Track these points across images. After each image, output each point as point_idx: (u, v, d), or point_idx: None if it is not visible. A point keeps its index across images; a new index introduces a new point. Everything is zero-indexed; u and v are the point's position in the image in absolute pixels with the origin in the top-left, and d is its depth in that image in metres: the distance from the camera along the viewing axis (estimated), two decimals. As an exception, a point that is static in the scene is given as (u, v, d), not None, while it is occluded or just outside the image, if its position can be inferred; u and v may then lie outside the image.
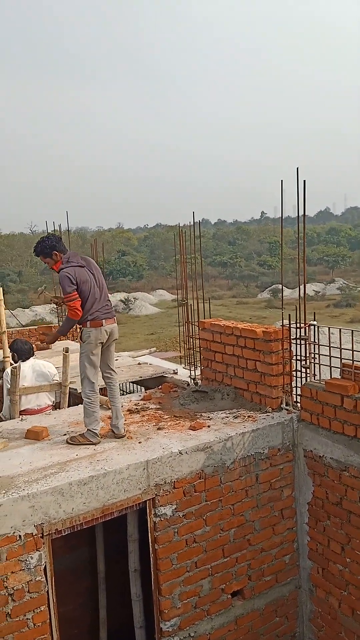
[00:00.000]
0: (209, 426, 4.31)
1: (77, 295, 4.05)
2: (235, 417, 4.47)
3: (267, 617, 4.38)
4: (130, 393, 7.08)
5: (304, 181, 4.28)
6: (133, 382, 6.77)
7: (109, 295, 4.36)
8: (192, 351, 5.79)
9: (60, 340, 9.20)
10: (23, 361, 5.72)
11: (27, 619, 3.35)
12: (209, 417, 4.56)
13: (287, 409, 4.48)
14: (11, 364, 5.98)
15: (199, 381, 5.50)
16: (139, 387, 6.99)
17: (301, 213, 4.30)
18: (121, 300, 44.67)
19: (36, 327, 9.82)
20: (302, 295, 4.40)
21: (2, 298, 6.89)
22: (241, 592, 4.25)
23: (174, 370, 6.33)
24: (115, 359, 4.47)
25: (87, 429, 4.15)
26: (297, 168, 4.28)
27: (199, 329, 5.47)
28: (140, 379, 6.25)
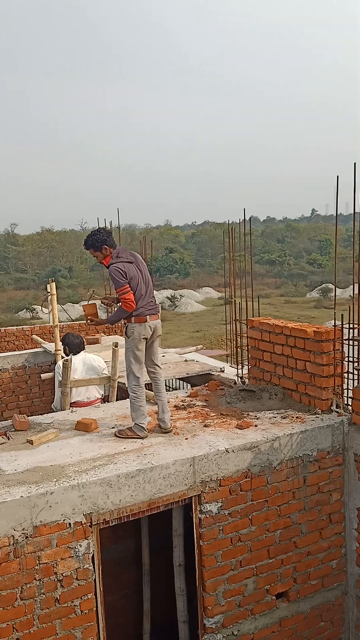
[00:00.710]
0: (256, 425, 4.28)
1: (129, 288, 4.11)
2: (283, 418, 4.41)
3: (311, 621, 4.31)
4: (176, 389, 7.13)
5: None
6: (179, 379, 6.81)
7: (153, 291, 4.40)
8: (239, 349, 5.76)
9: (109, 334, 9.38)
10: (74, 354, 5.87)
11: (75, 605, 3.44)
12: (256, 416, 4.53)
13: (337, 412, 4.39)
14: (62, 357, 6.16)
15: (246, 380, 5.47)
16: (185, 384, 7.02)
17: (357, 210, 4.17)
18: (167, 298, 44.91)
19: (80, 322, 10.03)
20: (356, 294, 4.28)
21: (55, 293, 7.10)
22: (286, 594, 4.20)
23: (220, 368, 6.32)
24: (162, 355, 4.51)
25: (135, 423, 4.22)
26: (355, 164, 4.17)
27: (247, 327, 5.43)
28: (186, 375, 6.28)
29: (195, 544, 3.87)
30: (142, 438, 4.15)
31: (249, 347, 5.37)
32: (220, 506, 3.85)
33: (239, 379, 5.58)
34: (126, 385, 4.37)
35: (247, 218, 5.72)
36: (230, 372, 6.11)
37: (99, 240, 4.23)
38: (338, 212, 4.69)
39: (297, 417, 4.38)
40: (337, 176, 4.46)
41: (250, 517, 3.97)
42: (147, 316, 4.19)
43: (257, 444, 3.95)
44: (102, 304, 4.80)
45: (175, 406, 4.89)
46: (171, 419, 4.39)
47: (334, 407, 4.42)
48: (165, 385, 6.50)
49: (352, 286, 4.59)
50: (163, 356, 6.95)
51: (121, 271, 4.09)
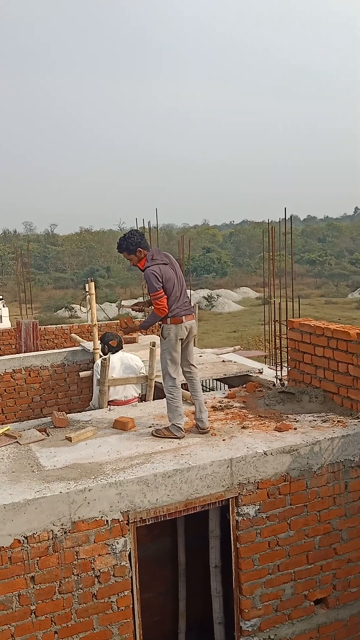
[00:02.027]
0: (295, 428, 4.20)
1: (163, 293, 4.10)
2: (324, 421, 4.32)
3: (351, 629, 4.20)
4: (213, 390, 7.10)
5: None
6: (217, 380, 6.78)
7: (189, 291, 4.37)
8: (278, 351, 5.68)
9: (145, 334, 9.44)
10: (112, 353, 5.93)
11: (112, 601, 3.47)
12: (295, 419, 4.45)
13: (380, 416, 4.26)
14: (101, 356, 6.23)
15: (286, 382, 5.38)
16: (222, 384, 6.98)
17: None
18: (204, 297, 44.85)
19: (118, 320, 10.14)
20: None
21: (94, 293, 7.19)
22: (325, 601, 4.11)
23: (259, 370, 6.25)
24: (199, 355, 4.49)
25: (172, 423, 4.21)
26: None
27: (287, 328, 5.34)
28: (224, 376, 6.24)
29: (232, 546, 3.84)
30: (179, 438, 4.15)
31: (289, 348, 5.28)
32: (258, 509, 3.80)
33: (278, 381, 5.50)
34: (163, 386, 4.37)
35: (290, 216, 5.63)
36: (268, 373, 6.04)
37: (132, 243, 4.19)
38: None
39: (338, 421, 4.27)
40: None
41: (288, 521, 3.90)
42: (183, 317, 4.18)
43: (296, 448, 3.88)
44: (133, 311, 4.77)
45: (212, 407, 4.87)
46: (208, 420, 4.36)
47: (376, 411, 4.29)
48: (202, 385, 6.48)
49: None
50: (200, 356, 6.93)
51: (157, 275, 4.08)
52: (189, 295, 4.37)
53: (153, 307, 4.18)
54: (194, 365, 4.41)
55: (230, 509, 3.79)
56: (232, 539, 3.83)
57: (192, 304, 4.58)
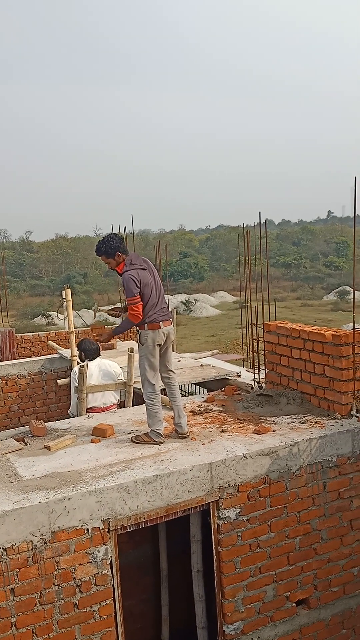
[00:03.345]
0: (274, 431, 4.24)
1: (140, 299, 4.10)
2: (302, 423, 4.37)
3: (333, 629, 4.24)
4: (192, 394, 7.11)
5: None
6: (195, 384, 6.80)
7: (166, 297, 4.37)
8: (255, 354, 5.73)
9: (124, 340, 9.40)
10: (90, 360, 5.89)
11: (94, 610, 3.44)
12: (274, 421, 4.49)
13: (357, 416, 4.32)
14: (78, 363, 6.18)
15: (264, 384, 5.43)
16: (201, 388, 7.01)
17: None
18: (182, 302, 44.92)
19: (90, 327, 10.09)
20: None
21: (70, 299, 7.15)
22: (306, 601, 4.14)
23: (237, 373, 6.29)
24: (177, 360, 4.49)
25: (151, 429, 4.21)
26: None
27: (263, 331, 5.39)
28: (203, 380, 6.26)
29: (214, 550, 3.85)
30: (158, 444, 4.14)
31: (266, 351, 5.33)
32: (239, 512, 3.82)
33: (256, 384, 5.54)
34: (142, 392, 4.36)
35: (264, 220, 5.70)
36: (247, 376, 6.08)
37: (111, 247, 4.17)
38: (355, 214, 4.63)
39: (316, 422, 4.33)
40: (355, 177, 4.43)
41: (269, 523, 3.93)
42: (160, 322, 4.18)
43: (275, 450, 3.91)
44: (110, 316, 4.76)
45: (191, 411, 4.88)
46: (188, 424, 4.37)
47: (353, 412, 4.36)
48: (181, 390, 6.48)
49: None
50: (179, 361, 6.94)
51: (135, 279, 4.07)
52: (166, 301, 4.38)
53: (128, 313, 4.18)
54: (172, 371, 4.41)
55: (211, 513, 3.79)
56: (213, 542, 3.83)
57: (170, 309, 4.59)
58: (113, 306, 4.78)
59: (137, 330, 4.24)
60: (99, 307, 6.96)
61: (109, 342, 8.01)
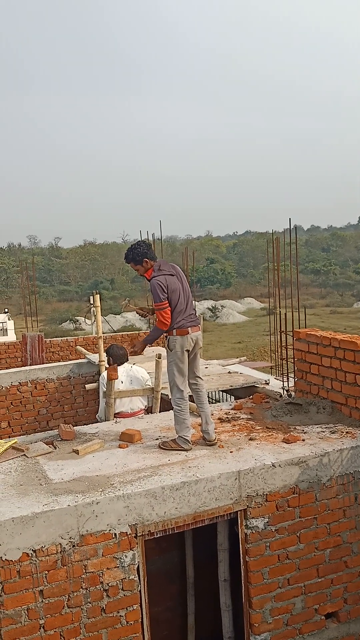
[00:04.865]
0: (303, 440, 4.18)
1: (168, 304, 4.11)
2: (332, 432, 4.29)
3: (363, 645, 4.14)
4: (219, 402, 7.07)
5: None
6: (223, 391, 6.76)
7: (194, 303, 4.37)
8: (284, 361, 5.67)
9: (152, 346, 9.44)
10: (118, 365, 5.93)
11: (121, 615, 3.44)
12: (303, 430, 4.43)
13: (388, 426, 4.23)
14: (106, 368, 6.23)
15: (293, 393, 5.36)
16: (229, 396, 6.96)
17: None
18: (208, 308, 44.87)
19: (122, 334, 10.16)
20: None
21: (99, 305, 7.22)
22: (336, 615, 4.06)
23: (265, 381, 6.23)
24: (204, 366, 4.47)
25: (179, 436, 4.20)
26: None
27: (293, 338, 5.34)
28: (230, 387, 6.22)
29: (241, 560, 3.81)
30: (186, 450, 4.13)
31: (295, 359, 5.27)
32: (267, 522, 3.77)
33: (285, 392, 5.48)
34: (169, 398, 4.36)
35: (294, 226, 5.66)
36: (275, 384, 6.02)
37: (139, 254, 4.24)
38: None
39: (347, 432, 4.25)
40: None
41: (298, 534, 3.87)
42: (189, 328, 4.18)
43: (305, 459, 3.86)
44: (138, 315, 4.79)
45: (219, 419, 4.85)
46: (216, 432, 4.35)
47: (385, 422, 4.26)
48: (209, 397, 6.46)
49: None
50: (206, 367, 6.92)
51: (162, 285, 4.10)
52: (194, 307, 4.38)
53: (156, 320, 4.19)
54: (200, 377, 4.40)
55: (239, 522, 3.76)
56: (241, 552, 3.79)
57: (197, 315, 4.58)
58: (142, 307, 4.79)
59: (166, 336, 4.25)
60: (129, 303, 6.97)
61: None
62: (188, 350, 4.21)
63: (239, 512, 3.73)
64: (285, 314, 5.72)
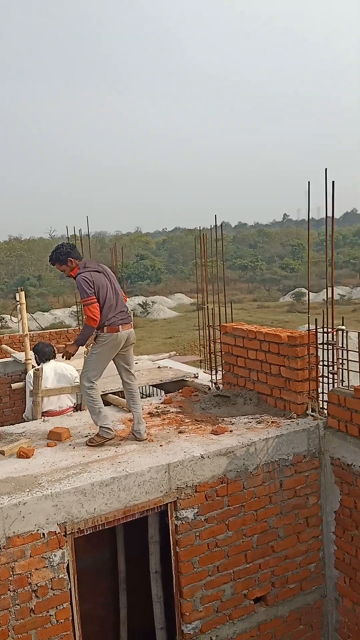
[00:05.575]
0: (231, 431, 4.29)
1: (96, 300, 4.06)
2: (259, 423, 4.44)
3: (291, 625, 4.32)
4: (150, 396, 7.09)
5: (333, 182, 4.23)
6: (153, 386, 6.78)
7: (125, 301, 4.35)
8: (213, 355, 5.78)
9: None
10: (45, 363, 5.78)
11: (50, 615, 3.38)
12: (231, 421, 4.54)
13: (313, 415, 4.43)
14: (33, 366, 6.05)
15: (221, 385, 5.48)
16: (159, 390, 7.00)
17: (329, 214, 4.25)
18: (139, 304, 44.80)
19: (50, 331, 9.93)
20: (329, 298, 4.35)
21: (24, 302, 6.99)
22: (264, 599, 4.21)
23: (194, 374, 6.32)
24: (135, 362, 4.45)
25: (99, 427, 4.17)
26: (326, 169, 4.25)
27: (220, 333, 5.45)
28: (160, 382, 6.25)
29: (172, 551, 3.85)
30: (111, 439, 4.11)
31: (223, 352, 5.39)
32: (197, 512, 3.84)
33: (213, 385, 5.59)
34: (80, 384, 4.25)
35: (219, 224, 5.76)
36: (204, 378, 6.12)
37: (62, 254, 4.20)
38: (310, 217, 4.77)
39: (272, 422, 4.41)
40: (309, 182, 4.55)
41: (227, 522, 3.97)
42: (120, 326, 4.16)
43: (232, 449, 3.96)
44: (61, 353, 4.60)
45: (149, 413, 4.87)
46: (146, 426, 4.36)
47: (309, 411, 4.46)
48: (139, 391, 6.44)
49: (325, 290, 4.67)
50: (136, 363, 6.90)
51: (89, 280, 4.05)
52: (126, 305, 4.35)
53: (85, 317, 4.12)
54: (133, 375, 4.38)
55: (169, 514, 3.80)
56: (171, 543, 3.83)
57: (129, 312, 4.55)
58: (65, 344, 4.62)
59: (96, 333, 4.18)
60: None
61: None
62: (117, 347, 4.17)
63: (169, 504, 3.77)
64: (214, 308, 5.83)
